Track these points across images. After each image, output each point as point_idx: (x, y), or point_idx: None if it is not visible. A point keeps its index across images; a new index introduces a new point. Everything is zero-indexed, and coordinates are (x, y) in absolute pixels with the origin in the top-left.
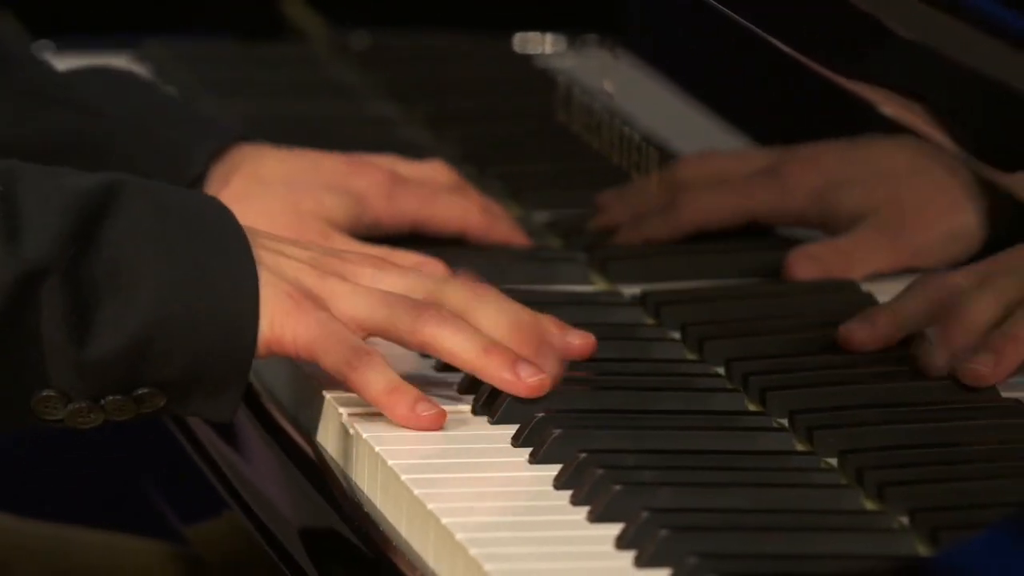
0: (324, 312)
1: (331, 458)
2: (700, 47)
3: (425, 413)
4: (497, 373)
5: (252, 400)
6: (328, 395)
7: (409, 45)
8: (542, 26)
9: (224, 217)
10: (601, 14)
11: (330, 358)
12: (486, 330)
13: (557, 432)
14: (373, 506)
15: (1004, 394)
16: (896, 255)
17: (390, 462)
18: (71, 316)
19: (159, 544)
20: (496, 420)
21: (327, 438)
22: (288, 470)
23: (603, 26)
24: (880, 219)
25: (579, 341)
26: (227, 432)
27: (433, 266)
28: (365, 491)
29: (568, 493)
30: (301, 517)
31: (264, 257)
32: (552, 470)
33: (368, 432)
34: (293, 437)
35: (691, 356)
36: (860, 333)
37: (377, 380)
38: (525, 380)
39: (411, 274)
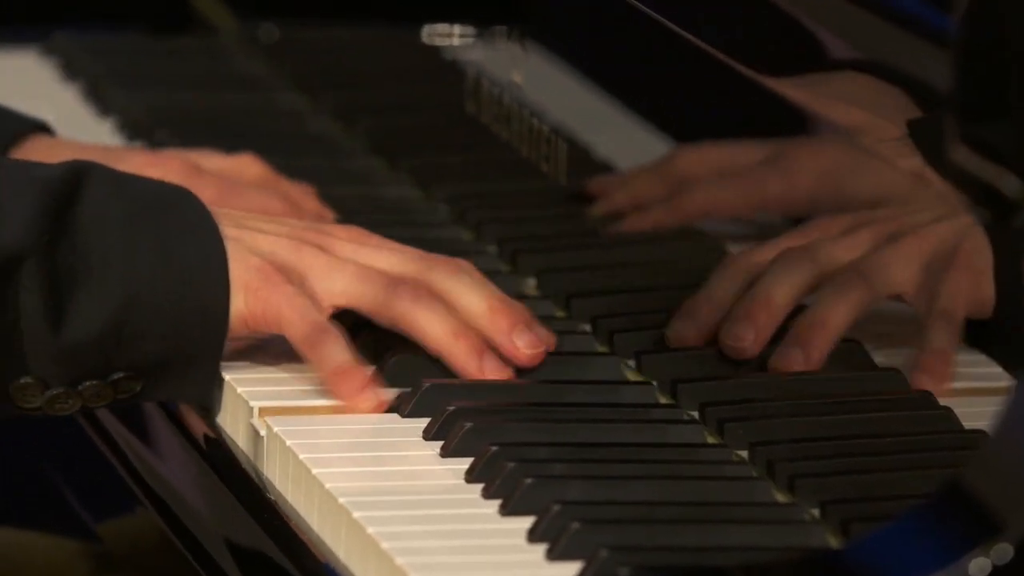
0: (291, 286)
1: (242, 452)
2: (608, 39)
3: (365, 404)
4: (463, 360)
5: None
6: (240, 389)
7: (318, 37)
8: (450, 18)
9: (187, 198)
10: (509, 5)
11: (293, 332)
12: (464, 311)
13: (468, 425)
14: (285, 500)
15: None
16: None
17: (301, 456)
18: (47, 302)
19: (70, 541)
20: (408, 413)
21: (238, 431)
22: (199, 465)
23: (511, 18)
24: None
25: (541, 336)
26: (137, 425)
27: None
28: (277, 486)
29: (480, 486)
30: (214, 513)
31: (232, 233)
32: (464, 463)
33: (279, 426)
34: (203, 430)
35: (602, 349)
36: (686, 330)
37: (331, 359)
38: (487, 372)
39: (392, 251)
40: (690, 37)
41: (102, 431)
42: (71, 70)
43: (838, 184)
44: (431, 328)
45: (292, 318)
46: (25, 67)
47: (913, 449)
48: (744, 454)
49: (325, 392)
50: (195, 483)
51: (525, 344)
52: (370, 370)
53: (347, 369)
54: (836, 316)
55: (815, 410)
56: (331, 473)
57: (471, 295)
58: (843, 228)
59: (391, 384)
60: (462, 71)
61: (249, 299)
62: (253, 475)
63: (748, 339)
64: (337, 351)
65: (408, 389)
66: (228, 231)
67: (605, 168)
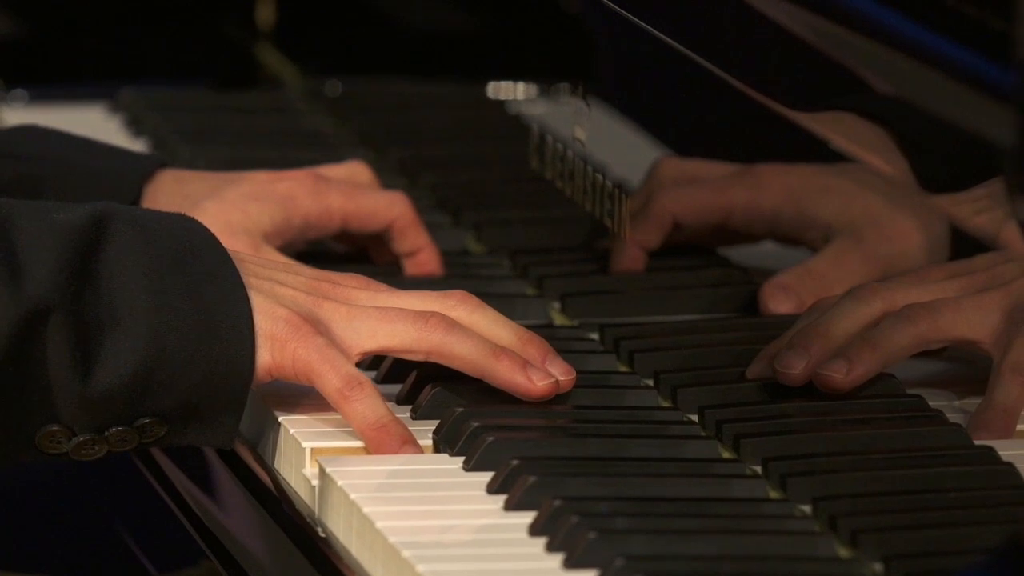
0: (323, 338)
1: (302, 501)
2: (668, 94)
3: (416, 450)
4: (509, 376)
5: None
6: (306, 445)
7: (383, 92)
8: (514, 74)
9: (209, 242)
10: (572, 62)
11: (326, 386)
12: (495, 342)
13: (532, 479)
14: (348, 553)
15: (976, 442)
16: (870, 269)
17: (365, 510)
18: (75, 351)
19: None
20: (472, 467)
21: (300, 482)
22: (259, 514)
23: (574, 74)
24: (855, 232)
25: (559, 371)
26: (199, 475)
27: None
28: (340, 539)
29: (543, 540)
30: (275, 563)
31: (256, 284)
32: (527, 516)
33: (343, 479)
34: (263, 479)
35: (664, 403)
36: (798, 363)
37: (367, 415)
38: (536, 383)
39: (407, 294)
40: (753, 93)
41: (165, 481)
42: (138, 126)
43: (801, 204)
44: (468, 354)
45: (324, 370)
46: (92, 123)
47: (976, 504)
48: (807, 508)
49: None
50: (256, 533)
51: (559, 371)
52: (403, 420)
53: (385, 424)
54: (890, 339)
55: (878, 464)
56: (394, 527)
57: (498, 328)
58: (940, 277)
59: (429, 416)
60: (526, 127)
61: (275, 350)
62: (313, 524)
63: (798, 368)
64: (373, 405)
65: (440, 420)
66: (251, 280)
67: None
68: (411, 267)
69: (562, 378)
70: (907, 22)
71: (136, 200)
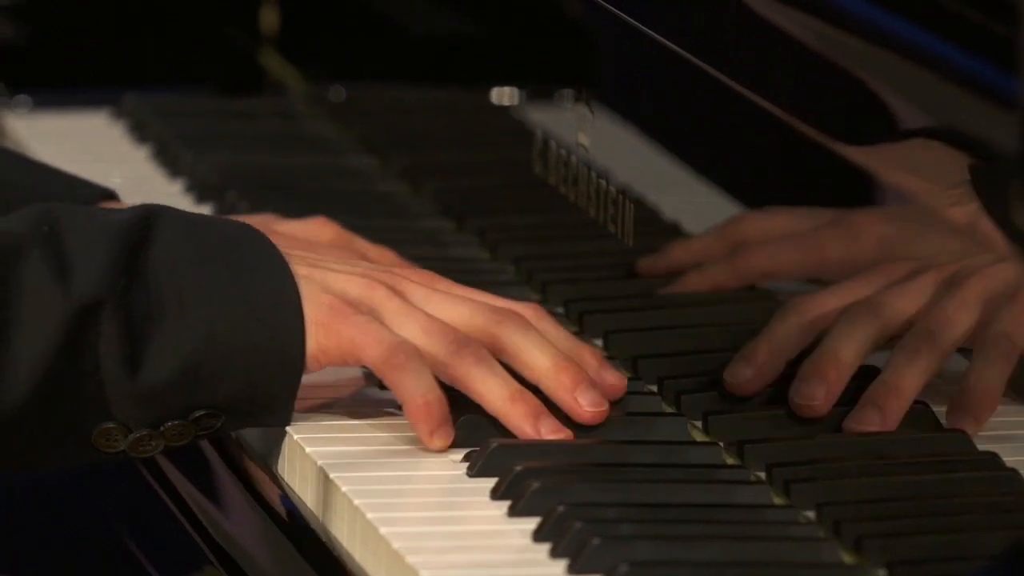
0: (362, 315)
1: (308, 509)
2: (674, 100)
3: (441, 441)
4: (519, 424)
5: (227, 453)
6: (310, 451)
7: (386, 98)
8: (517, 81)
9: (257, 237)
10: (576, 68)
11: (371, 356)
12: (528, 368)
13: (536, 485)
14: (352, 559)
15: (980, 447)
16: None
17: (369, 515)
18: (125, 346)
19: None
20: (476, 473)
21: (305, 489)
22: (265, 521)
23: (578, 80)
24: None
25: (612, 380)
26: (204, 482)
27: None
28: (344, 544)
29: (547, 546)
30: (280, 570)
31: (304, 273)
32: (531, 523)
33: (347, 485)
34: (269, 487)
35: (669, 409)
36: (745, 374)
37: (414, 387)
38: (543, 435)
39: (462, 300)
40: (757, 99)
41: (169, 486)
42: (141, 132)
43: (899, 251)
44: (488, 392)
45: (367, 343)
46: (96, 129)
47: (980, 510)
48: (811, 515)
49: (390, 449)
50: (260, 538)
51: (588, 403)
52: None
53: (431, 400)
54: (910, 381)
55: (881, 471)
56: (399, 533)
57: (536, 351)
58: (904, 273)
59: (462, 444)
60: (529, 132)
61: (320, 335)
62: (320, 532)
63: (819, 398)
64: (417, 377)
65: (476, 448)
66: (299, 269)
67: (672, 229)
68: None
69: (589, 409)
70: (910, 27)
71: None
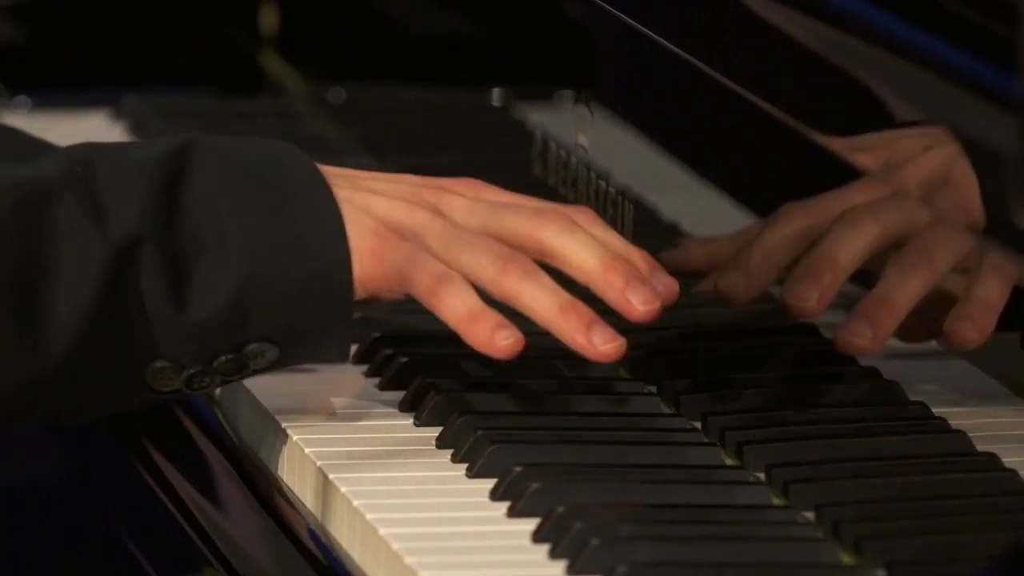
0: (407, 243)
1: (307, 509)
2: (673, 101)
3: (504, 342)
4: (571, 335)
5: (227, 453)
6: (308, 450)
7: (386, 99)
8: (517, 81)
9: (295, 156)
10: (576, 69)
11: (417, 286)
12: (577, 270)
13: (535, 486)
14: (352, 560)
15: (980, 447)
16: None
17: (368, 516)
18: (169, 283)
19: None
20: (475, 474)
21: (304, 490)
22: (264, 522)
23: (578, 81)
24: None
25: (665, 281)
26: (204, 483)
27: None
28: (344, 546)
29: (546, 546)
30: (279, 571)
31: (347, 196)
32: (530, 523)
33: (346, 487)
34: (268, 487)
35: (668, 410)
36: (736, 280)
37: (458, 306)
38: (598, 347)
39: (507, 207)
40: (757, 100)
41: (169, 489)
42: (141, 132)
43: (901, 244)
44: (537, 305)
45: (412, 272)
46: (96, 129)
47: (979, 510)
48: (810, 515)
49: (390, 449)
50: (259, 539)
51: (640, 301)
52: (407, 426)
53: (477, 313)
54: (903, 296)
55: (881, 471)
56: (398, 534)
57: (583, 252)
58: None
59: (432, 423)
60: (529, 133)
61: (366, 262)
62: (319, 533)
63: (812, 299)
64: (463, 296)
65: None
66: (341, 192)
67: (671, 230)
68: None
69: (641, 308)
70: (910, 27)
71: None
